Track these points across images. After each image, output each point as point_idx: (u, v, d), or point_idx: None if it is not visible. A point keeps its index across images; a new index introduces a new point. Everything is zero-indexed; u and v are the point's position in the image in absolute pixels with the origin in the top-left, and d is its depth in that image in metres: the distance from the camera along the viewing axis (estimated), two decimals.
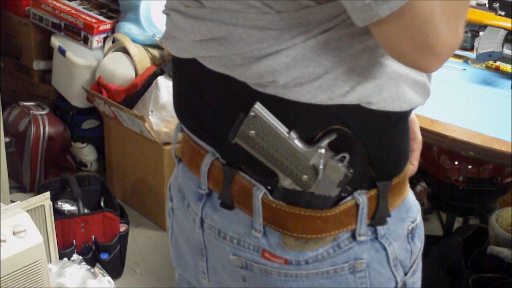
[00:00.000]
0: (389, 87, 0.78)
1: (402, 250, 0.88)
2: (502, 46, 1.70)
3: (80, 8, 2.85)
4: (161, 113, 2.48)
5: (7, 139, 2.52)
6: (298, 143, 0.78)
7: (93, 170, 2.96)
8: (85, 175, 2.66)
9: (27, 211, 1.90)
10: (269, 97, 0.78)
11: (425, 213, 2.66)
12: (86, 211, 2.34)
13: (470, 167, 2.07)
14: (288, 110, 0.78)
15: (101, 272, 2.14)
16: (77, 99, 2.81)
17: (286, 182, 0.81)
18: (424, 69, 0.72)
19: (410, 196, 0.90)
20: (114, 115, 2.63)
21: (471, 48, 1.86)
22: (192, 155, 0.92)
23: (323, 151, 0.78)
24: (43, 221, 2.02)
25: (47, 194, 2.01)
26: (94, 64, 2.72)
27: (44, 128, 2.77)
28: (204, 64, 0.82)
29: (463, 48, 1.90)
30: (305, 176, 0.79)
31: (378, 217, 0.84)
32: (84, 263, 2.14)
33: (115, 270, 2.34)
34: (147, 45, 2.69)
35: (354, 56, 0.75)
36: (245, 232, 0.86)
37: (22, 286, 1.80)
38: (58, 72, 2.85)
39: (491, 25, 1.79)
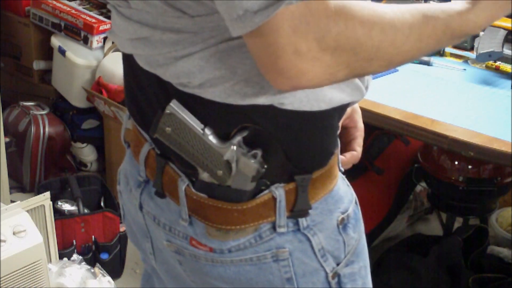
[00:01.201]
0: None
1: (331, 241, 0.89)
2: (502, 46, 1.70)
3: (80, 8, 2.85)
4: None
5: (7, 139, 2.52)
6: (212, 139, 0.82)
7: (93, 170, 2.96)
8: (85, 175, 2.66)
9: (27, 211, 1.90)
10: (188, 95, 0.81)
11: (425, 213, 2.66)
12: (86, 211, 2.34)
13: (470, 167, 2.07)
14: (205, 108, 0.81)
15: (101, 272, 2.14)
16: (77, 99, 2.81)
17: (204, 176, 0.84)
18: (274, 85, 0.74)
19: (339, 188, 0.92)
20: (114, 115, 2.63)
21: (471, 48, 1.86)
22: (135, 143, 0.96)
23: (235, 147, 0.81)
24: (43, 221, 2.02)
25: (47, 194, 2.01)
26: (94, 64, 2.72)
27: (44, 128, 2.77)
28: (137, 61, 0.86)
29: (463, 48, 1.90)
30: (219, 171, 0.82)
31: (297, 210, 0.86)
32: (84, 263, 2.14)
33: (115, 270, 2.34)
34: None
35: None
36: (175, 220, 0.90)
37: (22, 286, 1.80)
38: (58, 72, 2.85)
39: (491, 25, 1.79)
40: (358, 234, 0.93)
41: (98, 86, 2.64)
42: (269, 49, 0.69)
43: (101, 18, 2.78)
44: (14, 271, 1.77)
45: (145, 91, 0.89)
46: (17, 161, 2.78)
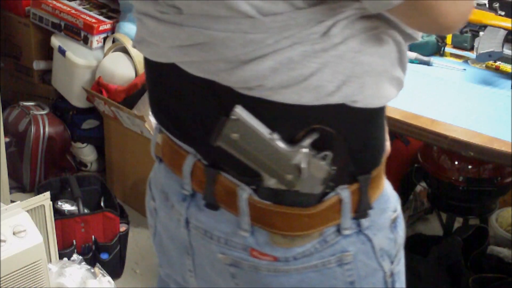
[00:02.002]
0: (370, 84, 0.80)
1: (386, 240, 0.89)
2: (502, 46, 1.70)
3: (80, 8, 2.85)
4: None
5: (7, 139, 2.52)
6: (280, 143, 0.79)
7: (93, 170, 2.96)
8: (85, 175, 2.66)
9: (27, 211, 1.90)
10: (252, 99, 0.78)
11: (425, 213, 2.66)
12: (86, 211, 2.34)
13: (470, 167, 2.07)
14: (271, 112, 0.79)
15: (101, 272, 2.14)
16: (77, 99, 2.81)
17: (271, 182, 0.82)
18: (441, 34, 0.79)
19: (387, 187, 0.92)
20: (114, 115, 2.63)
21: (471, 48, 1.86)
22: (172, 156, 0.92)
23: (306, 150, 0.79)
24: (43, 221, 2.02)
25: (47, 194, 2.01)
26: (94, 64, 2.72)
27: (44, 128, 2.77)
28: (184, 69, 0.82)
29: (463, 48, 1.90)
30: (289, 175, 0.80)
31: (361, 210, 0.85)
32: (84, 263, 2.14)
33: (115, 270, 2.34)
34: None
35: (339, 57, 0.76)
36: (231, 231, 0.86)
37: (22, 286, 1.80)
38: (58, 72, 2.85)
39: (491, 25, 1.79)
40: (403, 233, 0.94)
41: (98, 86, 2.63)
42: (428, 11, 0.73)
43: (101, 18, 2.78)
44: (14, 271, 1.77)
45: (188, 101, 0.85)
46: (17, 161, 2.78)
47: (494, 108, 1.58)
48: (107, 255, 2.32)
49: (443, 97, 1.64)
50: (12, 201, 2.16)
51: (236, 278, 0.90)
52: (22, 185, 2.83)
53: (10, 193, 2.42)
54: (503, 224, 2.41)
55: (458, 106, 1.60)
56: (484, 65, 1.79)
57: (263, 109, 0.79)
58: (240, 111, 0.79)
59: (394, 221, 0.91)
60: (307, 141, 0.79)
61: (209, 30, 0.76)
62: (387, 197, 0.91)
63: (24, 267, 1.79)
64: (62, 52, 2.76)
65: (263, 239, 0.85)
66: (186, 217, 0.91)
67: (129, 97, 2.56)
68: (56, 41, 2.81)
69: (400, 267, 0.94)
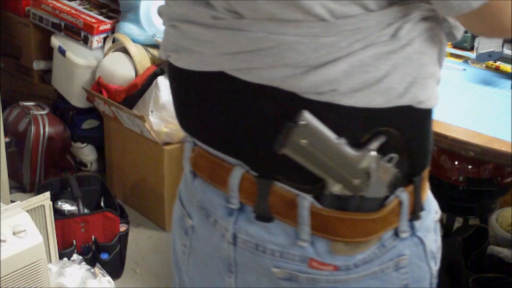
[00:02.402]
0: (430, 85, 0.81)
1: (432, 241, 0.89)
2: (502, 46, 1.70)
3: (80, 8, 2.85)
4: (161, 113, 2.48)
5: (7, 139, 2.52)
6: (347, 148, 0.78)
7: (93, 170, 2.96)
8: (85, 175, 2.66)
9: (27, 211, 1.90)
10: (318, 104, 0.77)
11: None
12: (86, 211, 2.34)
13: (470, 167, 2.07)
14: (338, 116, 0.78)
15: (101, 272, 2.14)
16: (77, 99, 2.81)
17: (336, 188, 0.80)
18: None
19: (428, 188, 0.92)
20: (114, 115, 2.63)
21: (471, 48, 1.86)
22: (213, 170, 0.88)
23: (374, 153, 0.79)
24: (43, 221, 2.02)
25: (47, 194, 2.01)
26: (94, 64, 2.72)
27: (44, 128, 2.77)
28: (238, 77, 0.80)
29: (463, 48, 1.90)
30: (356, 180, 0.79)
31: (416, 212, 0.85)
32: (84, 263, 2.14)
33: (115, 270, 2.34)
34: (147, 45, 2.69)
35: (407, 59, 0.77)
36: (288, 243, 0.84)
37: (22, 286, 1.80)
38: (58, 72, 2.85)
39: None
40: (440, 233, 0.94)
41: (98, 86, 2.64)
42: (497, 16, 0.75)
43: (101, 18, 2.78)
44: (14, 271, 1.77)
45: (234, 110, 0.82)
46: (17, 161, 2.78)
47: (494, 108, 1.58)
48: (107, 255, 2.32)
49: (443, 97, 1.63)
50: (12, 201, 2.16)
51: None
52: (22, 185, 2.83)
53: (10, 193, 2.42)
54: (503, 224, 2.41)
55: (458, 106, 1.60)
56: (484, 65, 1.79)
57: (330, 113, 0.78)
58: (308, 116, 0.77)
59: (436, 222, 0.91)
60: (375, 144, 0.78)
61: (276, 34, 0.75)
62: (430, 197, 0.91)
63: (24, 267, 1.79)
64: (62, 52, 2.76)
65: (323, 249, 0.83)
66: (233, 232, 0.87)
67: (129, 97, 2.56)
68: (56, 41, 2.81)
69: (437, 267, 0.93)
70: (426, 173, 0.87)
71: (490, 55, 1.69)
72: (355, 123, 0.78)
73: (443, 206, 2.51)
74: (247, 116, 0.82)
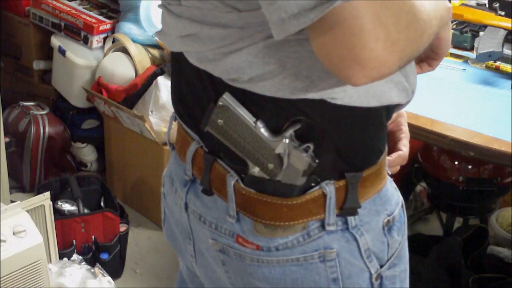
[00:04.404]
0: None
1: (376, 242, 0.89)
2: (502, 46, 1.70)
3: (80, 8, 2.85)
4: (161, 113, 2.48)
5: (7, 139, 2.52)
6: (264, 132, 0.81)
7: (93, 170, 2.96)
8: (85, 175, 2.66)
9: (27, 211, 1.90)
10: (238, 89, 0.81)
11: (425, 213, 2.66)
12: (86, 211, 2.34)
13: (470, 167, 2.07)
14: (256, 102, 0.81)
15: (101, 272, 2.14)
16: (77, 99, 2.81)
17: (254, 170, 0.84)
18: (349, 79, 0.70)
19: (388, 189, 0.91)
20: (114, 115, 2.63)
21: (471, 48, 1.86)
22: (181, 143, 0.96)
23: (287, 140, 0.81)
24: (43, 221, 2.02)
25: (47, 194, 2.01)
26: (94, 64, 2.72)
27: (44, 128, 2.77)
28: (187, 58, 0.86)
29: (463, 48, 1.90)
30: (271, 164, 0.82)
31: (347, 208, 0.85)
32: (84, 263, 2.14)
33: (115, 270, 2.34)
34: (147, 45, 2.69)
35: (311, 52, 0.74)
36: (221, 217, 0.89)
37: (22, 286, 1.80)
38: (58, 72, 2.85)
39: (491, 25, 1.79)
40: (402, 238, 0.93)
41: (98, 86, 2.64)
42: (352, 39, 0.67)
43: (101, 18, 2.78)
44: (14, 271, 1.77)
45: (194, 88, 0.89)
46: (17, 161, 2.78)
47: (494, 108, 1.58)
48: (107, 255, 2.32)
49: (443, 97, 1.65)
50: (12, 201, 2.16)
51: (225, 265, 0.92)
52: (22, 185, 2.83)
53: (10, 193, 2.42)
54: (503, 224, 2.41)
55: (458, 106, 1.60)
56: (484, 65, 1.79)
57: (248, 99, 0.81)
58: (227, 98, 0.82)
59: (388, 224, 0.90)
60: (289, 131, 0.81)
61: (197, 22, 0.80)
62: (385, 199, 0.90)
63: (24, 267, 1.79)
64: (62, 52, 2.76)
65: (247, 227, 0.87)
66: (185, 201, 0.94)
67: (129, 97, 2.56)
68: (56, 41, 2.81)
69: (395, 273, 0.93)
70: (371, 172, 0.86)
71: (490, 55, 1.69)
72: (270, 110, 0.81)
73: (443, 206, 2.52)
74: (199, 95, 0.88)
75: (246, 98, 0.81)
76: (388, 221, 0.90)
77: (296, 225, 0.85)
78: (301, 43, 0.76)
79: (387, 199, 0.90)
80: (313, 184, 0.84)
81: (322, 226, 0.85)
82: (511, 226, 2.39)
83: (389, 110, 0.87)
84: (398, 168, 1.02)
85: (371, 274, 0.90)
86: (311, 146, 0.81)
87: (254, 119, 0.81)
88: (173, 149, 1.01)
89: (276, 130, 0.82)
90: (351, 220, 0.86)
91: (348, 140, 0.84)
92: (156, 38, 0.97)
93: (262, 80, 0.78)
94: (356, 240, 0.87)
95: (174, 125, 1.01)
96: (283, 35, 0.69)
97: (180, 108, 0.95)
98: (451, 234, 2.23)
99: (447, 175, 2.10)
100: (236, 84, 0.81)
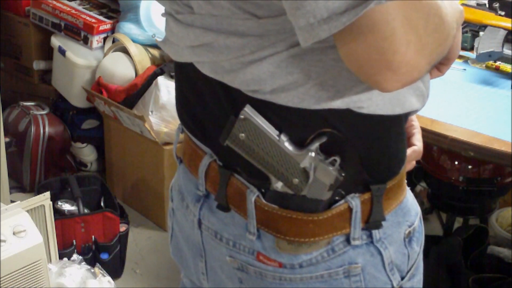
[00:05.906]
0: (372, 91, 0.77)
1: (398, 254, 0.87)
2: (502, 46, 1.70)
3: (80, 8, 2.85)
4: (161, 113, 2.48)
5: (7, 139, 2.52)
6: (288, 146, 0.78)
7: (93, 170, 2.96)
8: (85, 175, 2.66)
9: (27, 211, 1.90)
10: (259, 101, 0.77)
11: (425, 213, 2.66)
12: (86, 211, 2.34)
13: (470, 167, 2.07)
14: (279, 114, 0.78)
15: (101, 272, 2.14)
16: (77, 99, 2.81)
17: (277, 185, 0.80)
18: (380, 85, 0.69)
19: (408, 199, 0.89)
20: (114, 115, 2.63)
21: (471, 48, 1.86)
22: (191, 156, 0.92)
23: (313, 154, 0.78)
24: (43, 221, 2.02)
25: (47, 194, 2.01)
26: (94, 64, 2.72)
27: (44, 128, 2.77)
28: (199, 69, 0.82)
29: (463, 48, 1.90)
30: (295, 179, 0.79)
31: (372, 221, 0.83)
32: (84, 263, 2.14)
33: (115, 270, 2.34)
34: (147, 45, 2.69)
35: (339, 61, 0.72)
36: (240, 234, 0.86)
37: (22, 286, 1.80)
38: (58, 72, 2.85)
39: (491, 25, 1.79)
40: (420, 248, 0.92)
41: (98, 86, 2.64)
42: (383, 44, 0.65)
43: (101, 18, 2.78)
44: (14, 271, 1.77)
45: (204, 100, 0.85)
46: (17, 161, 2.78)
47: (494, 108, 1.58)
48: (107, 255, 2.32)
49: (443, 97, 1.64)
50: (12, 201, 2.16)
51: (243, 283, 0.89)
52: (22, 185, 2.83)
53: (10, 193, 2.42)
54: (503, 224, 2.41)
55: (458, 106, 1.60)
56: (484, 65, 1.79)
57: (270, 111, 0.78)
58: (249, 111, 0.78)
59: (409, 236, 0.88)
60: (315, 145, 0.78)
61: (212, 31, 0.76)
62: (406, 210, 0.88)
63: (24, 267, 1.79)
64: (62, 52, 2.76)
65: (269, 244, 0.84)
66: (198, 218, 0.91)
67: (129, 97, 2.56)
68: (56, 41, 2.81)
69: (412, 284, 0.91)
70: (394, 183, 0.85)
71: (490, 55, 1.69)
72: (294, 122, 0.78)
73: (443, 206, 2.52)
74: (211, 107, 0.84)
75: (268, 110, 0.78)
76: (409, 232, 0.88)
77: (321, 241, 0.82)
78: (325, 51, 0.74)
79: (408, 210, 0.89)
80: (337, 198, 0.81)
81: (347, 241, 0.83)
82: (511, 226, 2.39)
83: (407, 116, 0.86)
84: (414, 163, 0.99)
85: (393, 287, 0.88)
86: (338, 159, 0.78)
87: (277, 132, 0.78)
88: (180, 163, 0.97)
89: (300, 143, 0.78)
90: (376, 233, 0.84)
91: (372, 151, 0.81)
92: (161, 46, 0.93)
93: (285, 90, 0.75)
94: (380, 253, 0.85)
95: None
96: (311, 41, 0.66)
97: (188, 120, 0.91)
98: (451, 234, 2.23)
99: (447, 175, 2.10)
100: (257, 96, 0.77)
